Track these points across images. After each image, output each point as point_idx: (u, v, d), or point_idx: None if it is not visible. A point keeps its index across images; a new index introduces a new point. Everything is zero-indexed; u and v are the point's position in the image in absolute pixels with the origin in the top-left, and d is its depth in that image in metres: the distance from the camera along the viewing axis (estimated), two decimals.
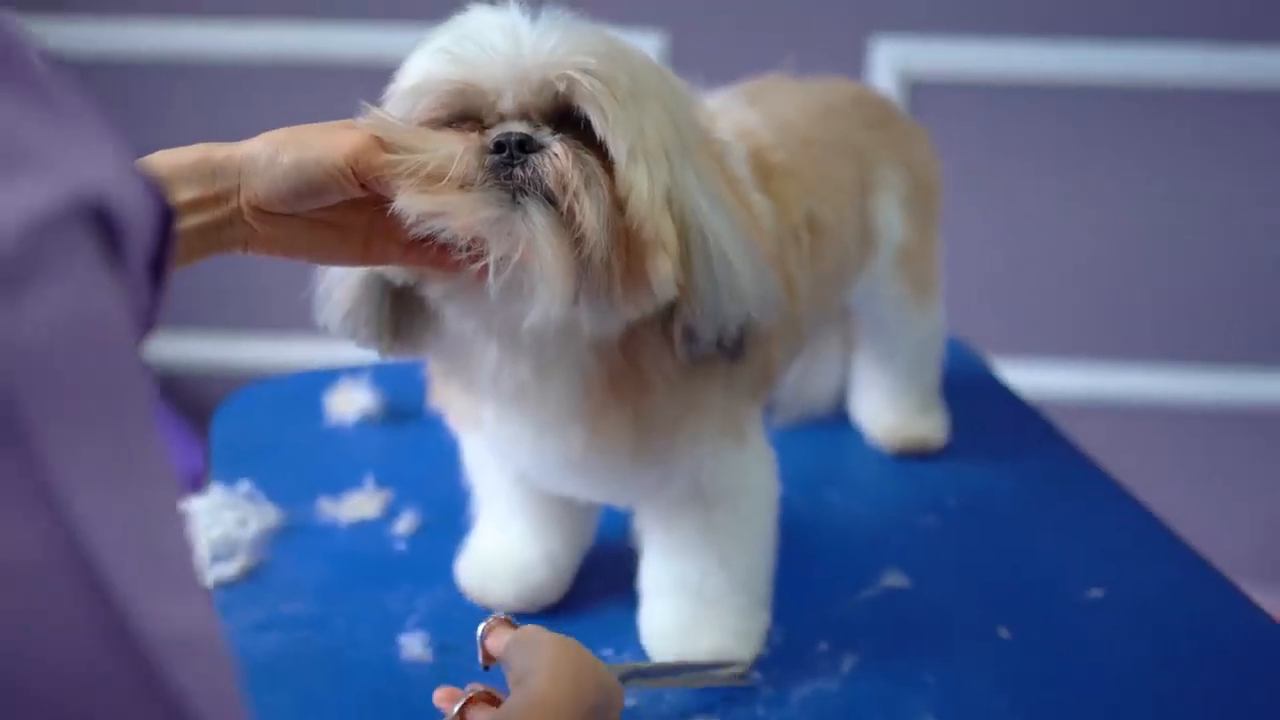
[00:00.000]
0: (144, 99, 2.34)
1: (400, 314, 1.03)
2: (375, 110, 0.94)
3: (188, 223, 0.90)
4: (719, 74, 1.28)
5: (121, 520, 0.52)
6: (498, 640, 1.00)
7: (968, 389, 1.58)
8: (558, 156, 0.91)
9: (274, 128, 0.95)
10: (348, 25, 2.24)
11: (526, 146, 0.91)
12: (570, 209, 0.90)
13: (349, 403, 1.52)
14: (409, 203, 0.90)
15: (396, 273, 0.99)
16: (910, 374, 1.46)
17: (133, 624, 0.52)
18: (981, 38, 2.21)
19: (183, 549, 0.55)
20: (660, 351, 1.00)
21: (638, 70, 0.95)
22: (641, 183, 0.92)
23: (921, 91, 2.22)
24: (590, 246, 0.90)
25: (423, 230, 0.91)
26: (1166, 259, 2.34)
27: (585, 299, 0.93)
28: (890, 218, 1.32)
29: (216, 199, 0.91)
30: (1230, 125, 2.26)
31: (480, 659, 1.02)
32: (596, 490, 1.14)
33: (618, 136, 0.92)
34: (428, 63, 0.96)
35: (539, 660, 0.93)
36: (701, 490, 1.11)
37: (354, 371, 1.56)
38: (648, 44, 2.14)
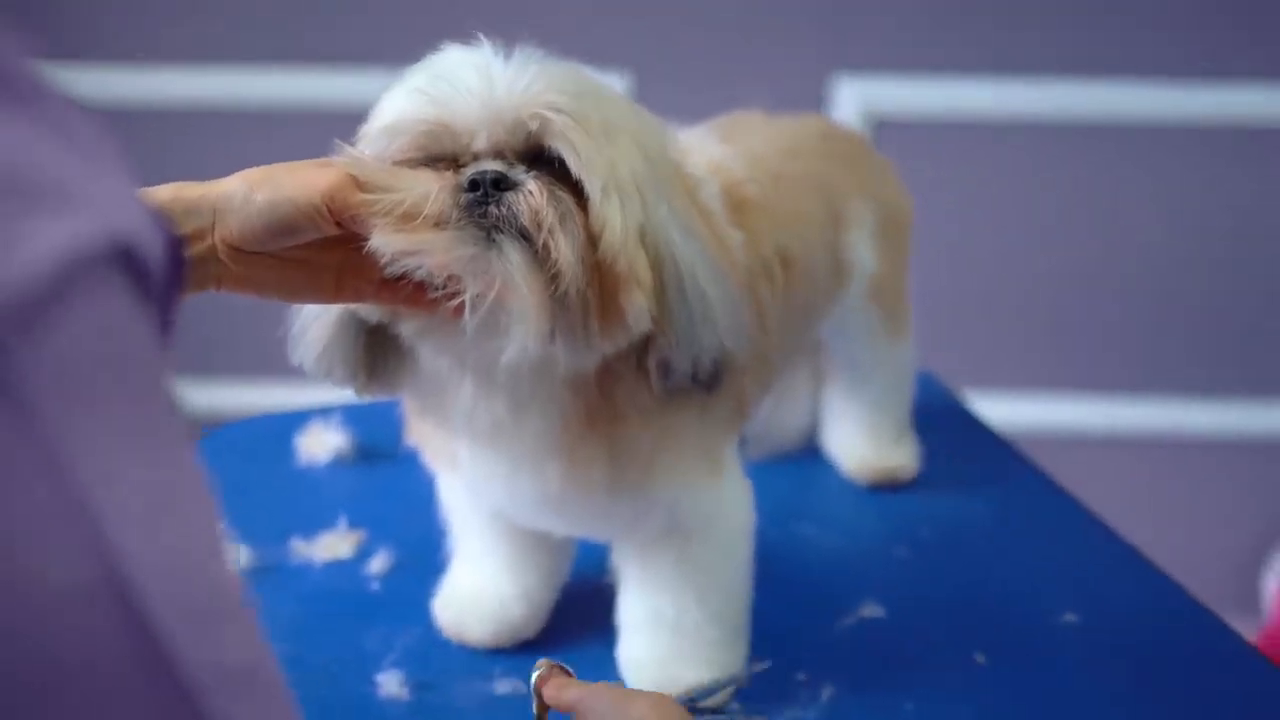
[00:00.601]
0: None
1: (375, 352, 1.03)
2: (350, 149, 0.94)
3: None
4: (684, 114, 1.29)
5: (164, 547, 0.52)
6: (558, 690, 1.00)
7: (938, 421, 1.59)
8: (532, 194, 0.92)
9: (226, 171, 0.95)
10: (320, 69, 2.25)
11: (501, 185, 0.92)
12: (545, 246, 0.91)
13: (320, 443, 1.52)
14: (384, 241, 0.91)
15: (371, 311, 0.99)
16: (882, 406, 1.46)
17: (179, 656, 0.52)
18: (943, 76, 2.24)
19: (228, 578, 0.55)
20: (635, 385, 1.01)
21: (610, 107, 0.96)
22: (615, 218, 0.93)
23: (885, 129, 2.24)
24: (566, 283, 0.91)
25: (398, 269, 0.92)
26: (1130, 291, 2.37)
27: (561, 335, 0.93)
28: (861, 251, 1.33)
29: (190, 238, 0.91)
30: (1190, 159, 2.28)
31: (535, 708, 1.01)
32: (573, 525, 1.14)
33: (591, 173, 0.93)
34: (402, 102, 0.97)
35: None
36: (678, 524, 1.11)
37: (325, 412, 1.56)
38: (612, 85, 2.15)
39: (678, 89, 2.30)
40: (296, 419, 1.55)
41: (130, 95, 2.28)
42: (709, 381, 1.00)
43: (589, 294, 0.92)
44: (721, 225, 1.08)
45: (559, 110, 0.93)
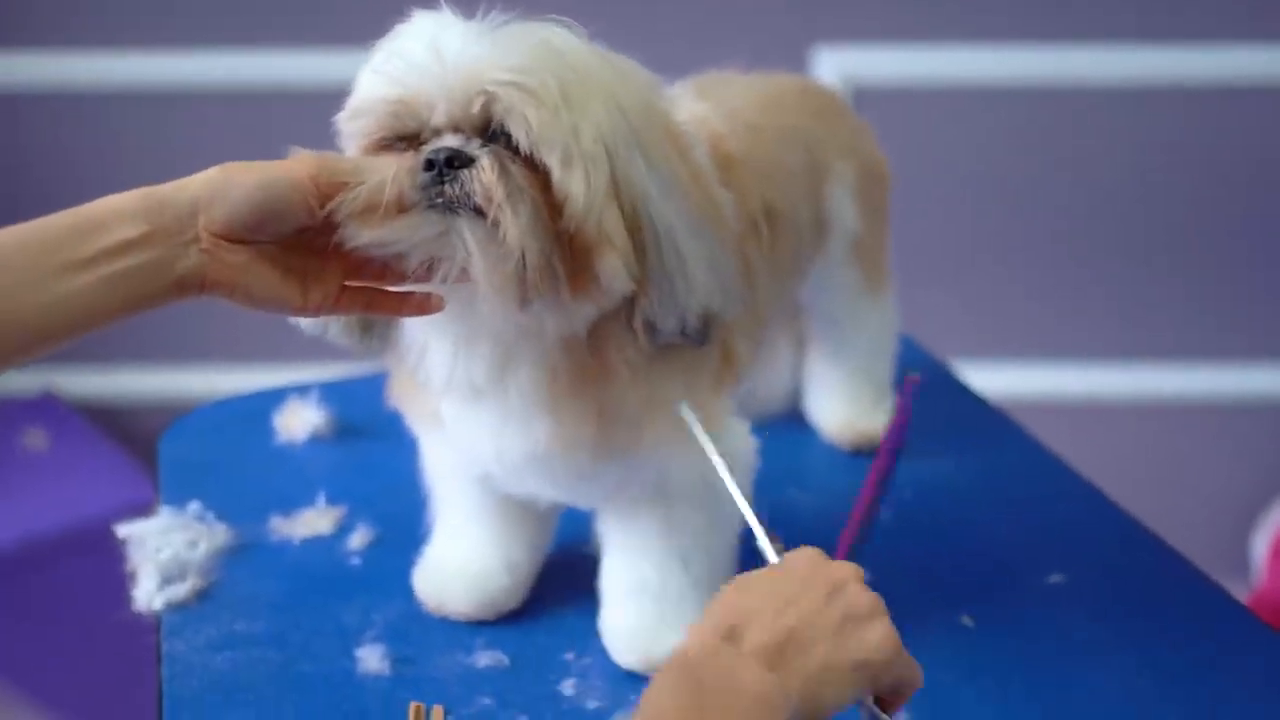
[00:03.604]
0: (88, 129, 2.32)
1: None
2: (304, 150, 0.95)
3: (129, 262, 0.90)
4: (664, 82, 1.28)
5: None
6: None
7: (922, 385, 1.57)
8: (484, 170, 0.92)
9: (222, 155, 0.96)
10: (294, 50, 2.23)
11: (455, 162, 0.92)
12: (495, 221, 0.92)
13: (298, 421, 1.50)
14: (352, 234, 0.93)
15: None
16: (863, 369, 1.45)
17: None
18: (922, 44, 2.22)
19: None
20: (624, 341, 1.01)
21: (575, 69, 0.95)
22: (576, 186, 0.93)
23: (865, 98, 2.23)
24: (519, 256, 0.92)
25: (375, 255, 0.94)
26: (1113, 256, 2.36)
27: (536, 302, 0.94)
28: (842, 207, 1.32)
29: (167, 232, 0.91)
30: (1169, 122, 2.28)
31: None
32: (559, 489, 1.12)
33: (544, 144, 0.93)
34: (366, 82, 0.98)
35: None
36: (666, 485, 1.10)
37: (302, 390, 1.54)
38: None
39: (657, 60, 2.28)
40: (274, 397, 1.54)
41: (112, 79, 2.26)
42: (697, 336, 1.00)
43: (556, 262, 0.93)
44: (711, 184, 1.07)
45: (508, 83, 0.93)
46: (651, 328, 0.99)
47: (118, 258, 0.90)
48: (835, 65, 2.21)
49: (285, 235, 0.94)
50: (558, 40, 0.97)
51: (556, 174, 0.93)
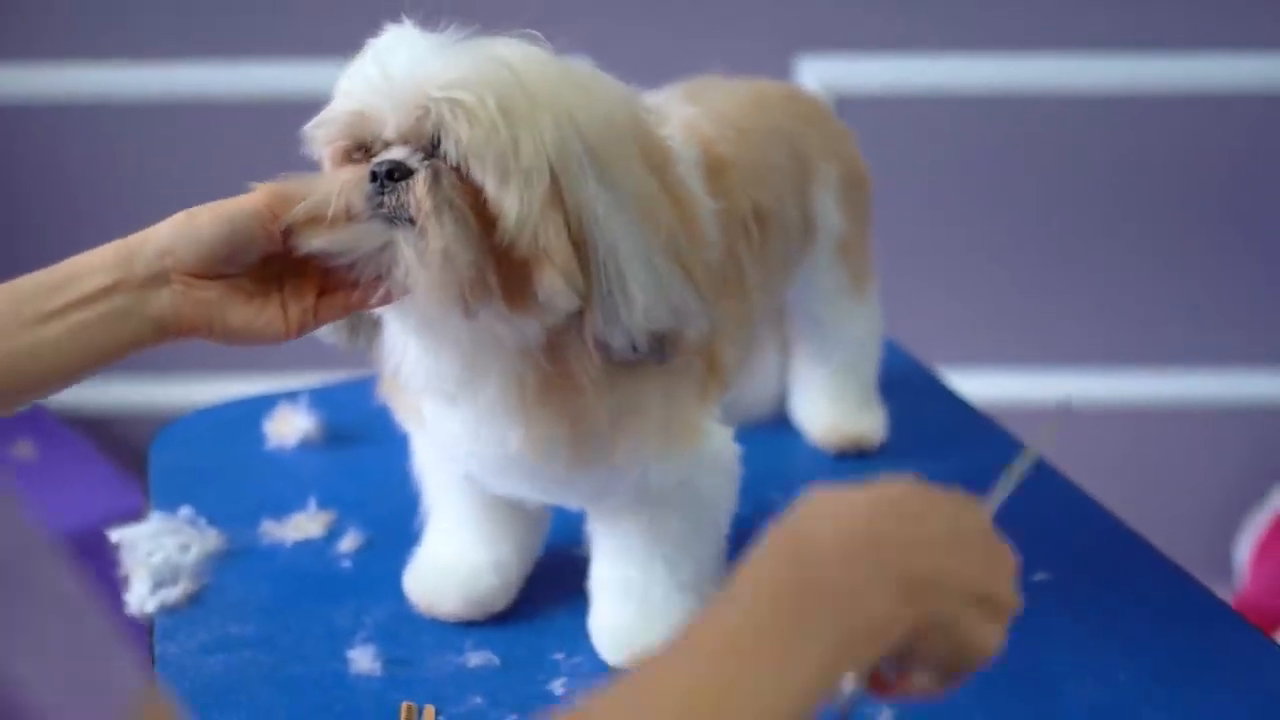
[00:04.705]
0: (80, 142, 2.32)
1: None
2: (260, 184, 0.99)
3: (99, 309, 0.94)
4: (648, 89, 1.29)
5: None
6: None
7: (903, 388, 1.59)
8: (417, 183, 0.94)
9: (230, 165, 1.00)
10: (274, 61, 2.24)
11: (395, 174, 0.95)
12: (423, 233, 0.94)
13: (288, 427, 1.51)
14: (303, 241, 0.96)
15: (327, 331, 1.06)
16: (848, 371, 1.46)
17: None
18: (905, 53, 2.24)
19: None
20: (584, 354, 1.02)
21: (524, 83, 0.96)
22: (509, 202, 0.94)
23: (847, 106, 2.24)
24: (441, 268, 0.94)
25: (331, 263, 0.97)
26: (1096, 262, 2.38)
27: (482, 313, 0.97)
28: (827, 209, 1.33)
29: (136, 279, 0.95)
30: (1153, 129, 2.30)
31: None
32: (540, 492, 1.14)
33: (475, 159, 0.94)
34: (336, 93, 1.01)
35: None
36: (648, 493, 1.11)
37: (292, 396, 1.55)
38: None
39: (639, 71, 2.30)
40: (264, 403, 1.55)
41: (110, 91, 2.26)
42: (653, 354, 1.01)
43: (489, 274, 0.95)
44: (691, 198, 1.07)
45: (443, 98, 0.94)
46: (603, 344, 1.00)
47: (87, 306, 0.95)
48: (818, 74, 2.22)
49: (252, 264, 0.98)
50: (511, 54, 0.97)
51: (489, 189, 0.94)
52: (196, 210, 0.98)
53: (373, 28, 1.02)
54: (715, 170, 1.12)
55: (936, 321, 2.36)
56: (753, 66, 2.24)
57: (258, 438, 1.52)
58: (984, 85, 2.23)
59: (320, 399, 1.55)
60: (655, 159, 1.03)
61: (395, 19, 1.01)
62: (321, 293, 1.00)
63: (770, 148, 1.25)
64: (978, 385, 2.30)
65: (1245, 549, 2.46)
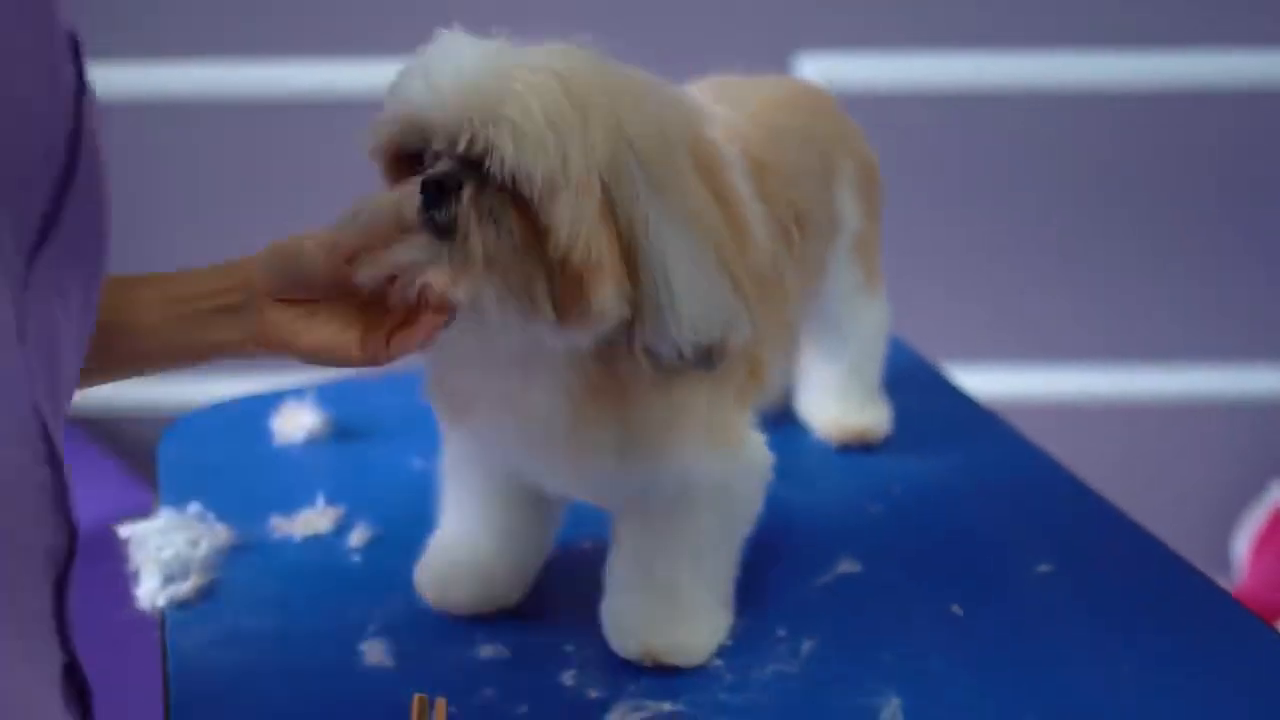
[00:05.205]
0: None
1: None
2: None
3: (212, 304, 1.03)
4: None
5: None
6: None
7: (907, 383, 1.60)
8: (464, 198, 0.95)
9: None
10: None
11: (444, 187, 0.95)
12: (465, 246, 0.95)
13: (295, 423, 1.52)
14: (362, 273, 0.98)
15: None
16: (855, 366, 1.47)
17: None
18: (904, 51, 2.25)
19: None
20: (636, 364, 1.03)
21: (575, 94, 0.96)
22: (559, 215, 0.95)
23: (847, 103, 2.24)
24: (485, 281, 0.95)
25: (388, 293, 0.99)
26: (1097, 259, 2.39)
27: (531, 325, 0.97)
28: (846, 205, 1.35)
29: (230, 289, 1.02)
30: (1154, 127, 2.31)
31: None
32: (589, 492, 1.16)
33: (521, 174, 0.94)
34: (387, 97, 1.01)
35: None
36: (688, 492, 1.12)
37: (299, 393, 1.56)
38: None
39: (640, 67, 2.30)
40: (270, 400, 1.56)
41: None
42: (700, 364, 1.02)
43: (539, 287, 0.96)
44: (742, 201, 1.08)
45: (490, 112, 0.95)
46: (649, 352, 1.01)
47: (213, 299, 1.02)
48: (817, 72, 2.23)
49: (328, 291, 1.01)
50: (560, 64, 0.97)
51: (537, 203, 0.95)
52: (276, 242, 1.02)
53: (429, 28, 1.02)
54: (756, 173, 1.13)
55: (937, 318, 2.37)
56: (752, 63, 2.26)
57: (265, 434, 1.53)
58: (984, 82, 2.23)
59: (326, 395, 1.56)
60: (706, 164, 1.03)
61: (444, 21, 1.02)
62: (398, 325, 1.01)
63: (801, 149, 1.26)
64: (978, 381, 2.32)
65: (1244, 543, 2.47)
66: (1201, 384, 2.42)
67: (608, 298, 0.96)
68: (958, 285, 2.41)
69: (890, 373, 1.54)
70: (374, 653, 1.17)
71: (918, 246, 2.35)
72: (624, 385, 1.04)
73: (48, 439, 0.75)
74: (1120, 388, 2.42)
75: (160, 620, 1.24)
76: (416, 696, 1.10)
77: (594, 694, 1.12)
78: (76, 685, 0.82)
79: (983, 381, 2.32)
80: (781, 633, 1.18)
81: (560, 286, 0.96)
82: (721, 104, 1.21)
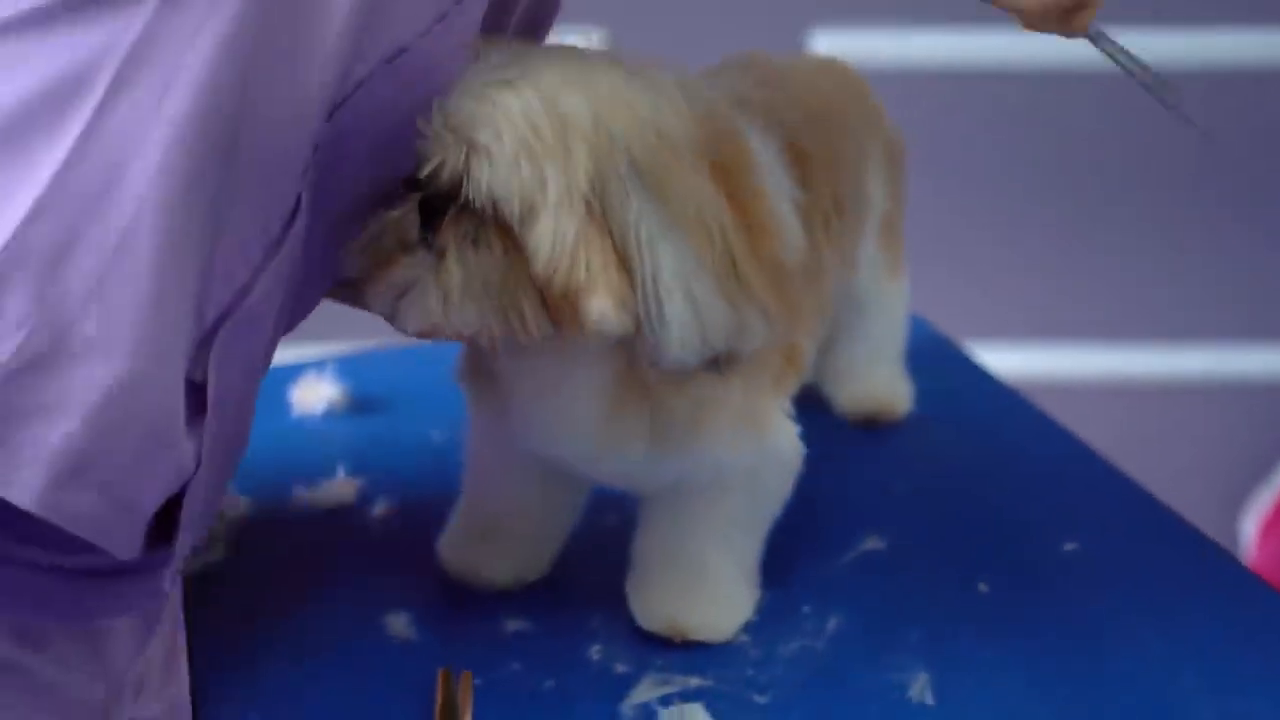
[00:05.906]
0: None
1: None
2: None
3: None
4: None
5: None
6: None
7: (929, 362, 1.59)
8: (446, 218, 0.96)
9: None
10: None
11: (433, 208, 0.96)
12: (443, 267, 0.96)
13: (314, 395, 1.51)
14: (370, 293, 1.00)
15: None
16: (879, 344, 1.46)
17: None
18: (921, 27, 2.24)
19: None
20: None
21: (557, 114, 0.94)
22: (540, 236, 0.94)
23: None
24: (465, 303, 0.96)
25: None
26: (1114, 238, 2.38)
27: (525, 340, 0.98)
28: (876, 186, 1.34)
29: None
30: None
31: None
32: (620, 478, 1.16)
33: (498, 199, 0.94)
34: None
35: None
36: (720, 479, 1.12)
37: (318, 365, 1.55)
38: (583, 42, 2.15)
39: (653, 46, 2.29)
40: (289, 372, 1.55)
41: None
42: (709, 370, 1.01)
43: (525, 304, 0.95)
44: (766, 197, 1.05)
45: (463, 138, 0.94)
46: (653, 362, 1.00)
47: None
48: (833, 48, 2.21)
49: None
50: (549, 78, 0.96)
51: (517, 226, 0.95)
52: None
53: None
54: (798, 162, 1.12)
55: (957, 296, 2.36)
56: (766, 39, 2.25)
57: (283, 406, 1.52)
58: (1004, 60, 2.22)
59: (346, 367, 1.55)
60: (723, 162, 1.00)
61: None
62: None
63: (838, 133, 1.25)
64: (991, 360, 2.31)
65: (1252, 525, 2.47)
66: (1213, 363, 2.41)
67: (604, 313, 0.95)
68: (975, 262, 2.40)
69: (910, 350, 1.53)
70: (398, 625, 1.17)
71: (935, 223, 2.33)
72: (651, 383, 1.04)
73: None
74: (1129, 367, 2.42)
75: (183, 592, 1.23)
76: (441, 671, 1.10)
77: (620, 668, 1.11)
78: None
79: (995, 360, 2.32)
80: (807, 609, 1.18)
81: (550, 304, 0.96)
82: (760, 88, 1.18)
